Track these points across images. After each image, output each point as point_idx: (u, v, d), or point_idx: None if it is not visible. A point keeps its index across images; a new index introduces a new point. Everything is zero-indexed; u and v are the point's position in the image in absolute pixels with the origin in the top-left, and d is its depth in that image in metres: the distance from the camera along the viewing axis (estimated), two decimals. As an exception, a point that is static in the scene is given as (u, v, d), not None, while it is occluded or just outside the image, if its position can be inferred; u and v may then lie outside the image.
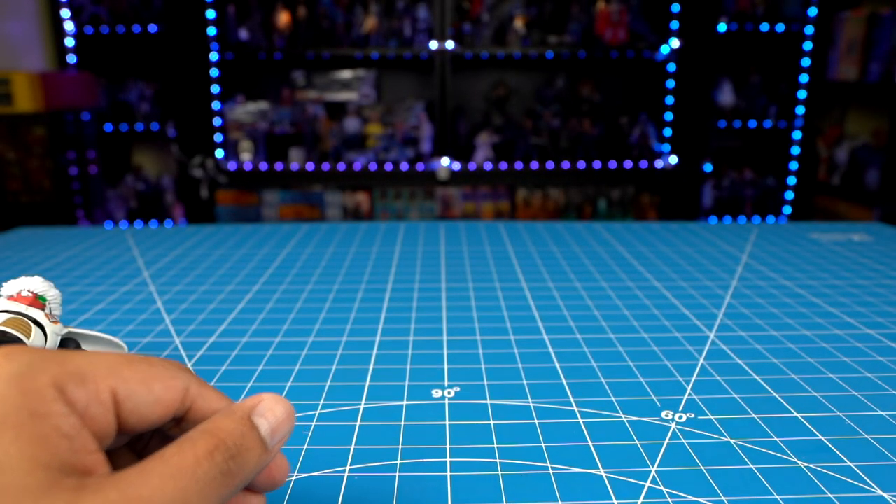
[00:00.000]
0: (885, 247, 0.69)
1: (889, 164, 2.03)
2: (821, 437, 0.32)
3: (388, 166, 2.32)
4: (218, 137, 2.30)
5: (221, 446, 0.18)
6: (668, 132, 2.35)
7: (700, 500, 0.28)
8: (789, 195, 2.44)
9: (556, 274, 0.60)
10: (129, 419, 0.18)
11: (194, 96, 2.25)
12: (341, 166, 2.32)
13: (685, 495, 0.28)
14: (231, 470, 0.18)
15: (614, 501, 0.28)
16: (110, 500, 0.15)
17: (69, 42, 2.26)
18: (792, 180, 2.42)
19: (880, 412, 0.35)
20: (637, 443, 0.32)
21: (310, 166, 2.32)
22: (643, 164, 2.34)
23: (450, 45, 2.22)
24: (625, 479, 0.29)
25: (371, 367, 0.41)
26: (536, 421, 0.34)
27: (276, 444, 0.20)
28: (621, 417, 0.35)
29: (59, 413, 0.16)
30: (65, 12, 2.23)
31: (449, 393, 0.37)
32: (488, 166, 2.34)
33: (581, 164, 2.35)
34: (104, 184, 2.35)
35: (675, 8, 2.24)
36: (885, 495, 0.28)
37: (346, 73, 2.40)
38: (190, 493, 0.16)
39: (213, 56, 2.24)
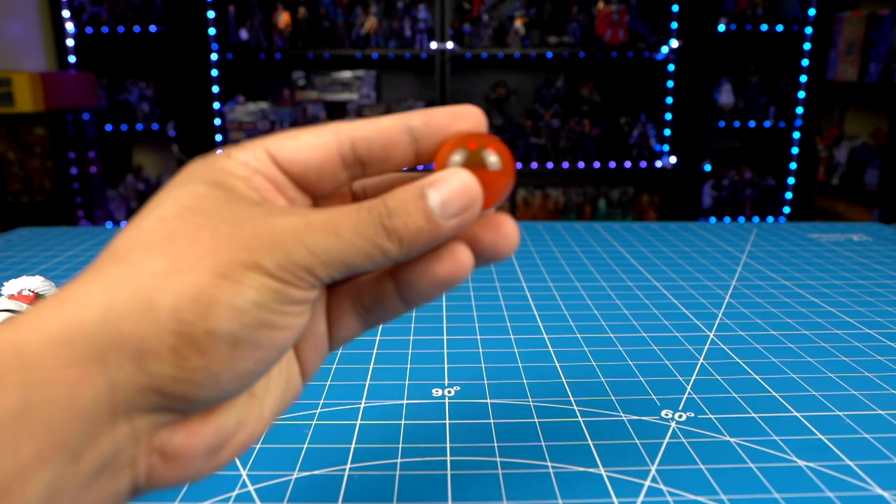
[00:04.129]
0: (885, 247, 0.69)
1: (888, 165, 2.03)
2: (820, 436, 0.32)
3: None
4: (218, 138, 2.30)
5: (380, 204, 0.19)
6: (667, 132, 2.35)
7: (700, 498, 0.28)
8: (789, 195, 2.44)
9: (556, 274, 0.60)
10: (290, 168, 0.20)
11: (195, 96, 2.25)
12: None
13: (685, 494, 0.28)
14: (387, 227, 0.18)
15: (614, 500, 0.28)
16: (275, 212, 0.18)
17: (70, 42, 2.26)
18: (791, 180, 2.42)
19: (880, 411, 0.35)
20: (637, 442, 0.32)
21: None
22: (643, 164, 2.34)
23: (450, 45, 2.22)
24: (625, 477, 0.29)
25: (371, 365, 0.41)
26: (536, 420, 0.34)
27: (452, 218, 0.19)
28: (621, 416, 0.35)
29: (233, 164, 0.20)
30: (65, 13, 2.23)
31: (449, 392, 0.37)
32: (488, 166, 2.34)
33: (581, 165, 2.35)
34: (105, 184, 2.35)
35: (675, 8, 2.24)
36: (885, 494, 0.28)
37: (346, 74, 2.40)
38: (343, 228, 0.18)
39: (214, 56, 2.24)
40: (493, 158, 0.20)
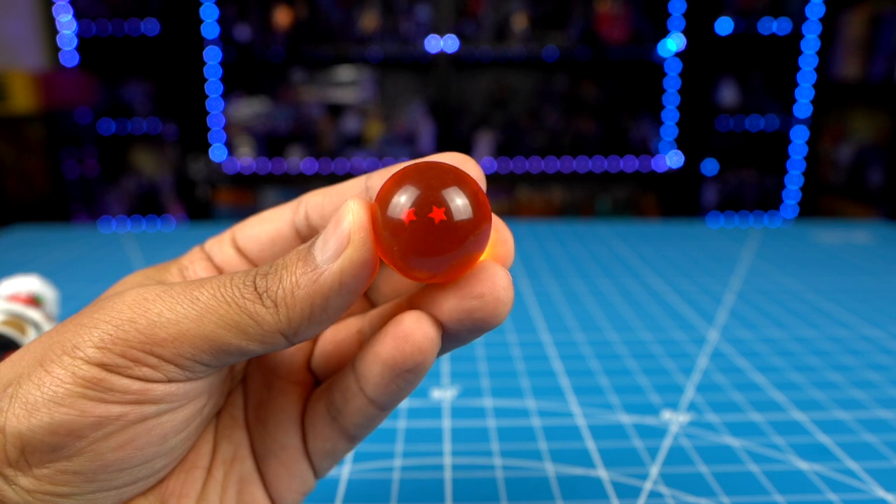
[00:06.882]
0: (888, 246, 0.68)
1: (893, 163, 2.02)
2: (822, 439, 0.32)
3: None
4: (217, 137, 2.30)
5: (263, 265, 0.15)
6: (670, 131, 2.35)
7: (701, 500, 0.28)
8: (792, 194, 2.44)
9: (556, 273, 0.59)
10: (245, 247, 0.19)
11: (192, 96, 2.24)
12: (341, 166, 2.32)
13: (686, 496, 0.28)
14: (259, 286, 0.15)
15: (615, 503, 0.27)
16: (162, 289, 0.15)
17: (66, 41, 2.26)
18: (795, 179, 2.42)
19: (883, 413, 0.35)
20: (637, 444, 0.32)
21: (310, 165, 2.32)
22: (645, 163, 2.34)
23: (450, 44, 2.22)
24: (625, 480, 0.29)
25: (369, 366, 0.41)
26: (536, 422, 0.34)
27: (332, 260, 0.14)
28: (621, 418, 0.34)
29: (183, 258, 0.19)
30: (63, 11, 2.23)
31: (448, 393, 0.37)
32: (489, 165, 2.34)
33: (582, 164, 2.35)
34: (102, 183, 2.35)
35: (678, 7, 2.24)
36: (888, 496, 0.28)
37: (345, 73, 2.39)
38: (203, 290, 0.15)
39: (212, 55, 2.24)
40: (458, 201, 0.14)
